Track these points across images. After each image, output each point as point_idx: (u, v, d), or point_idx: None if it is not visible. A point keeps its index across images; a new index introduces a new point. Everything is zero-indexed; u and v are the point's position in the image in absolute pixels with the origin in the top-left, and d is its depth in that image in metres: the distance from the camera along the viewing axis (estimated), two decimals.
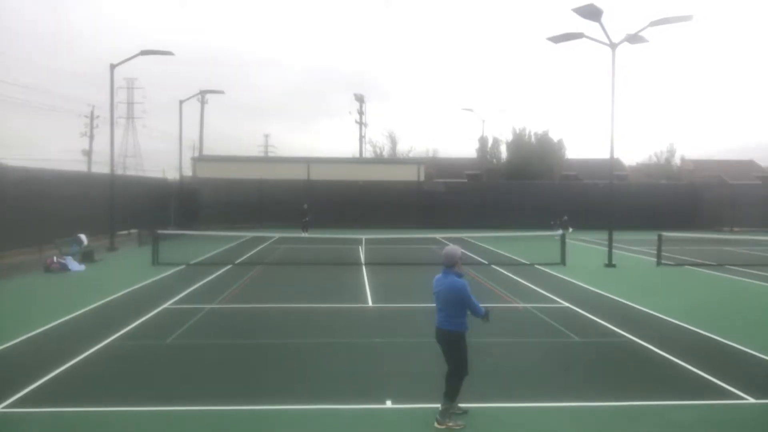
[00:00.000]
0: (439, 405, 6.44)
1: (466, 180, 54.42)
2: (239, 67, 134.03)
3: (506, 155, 59.85)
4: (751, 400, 7.10)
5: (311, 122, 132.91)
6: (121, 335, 9.83)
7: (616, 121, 66.39)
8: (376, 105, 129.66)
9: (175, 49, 24.62)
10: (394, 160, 57.35)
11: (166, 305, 12.36)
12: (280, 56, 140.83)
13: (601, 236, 24.82)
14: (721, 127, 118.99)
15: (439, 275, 6.56)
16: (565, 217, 33.47)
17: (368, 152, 62.93)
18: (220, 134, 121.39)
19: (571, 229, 33.82)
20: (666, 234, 22.00)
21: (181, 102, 35.64)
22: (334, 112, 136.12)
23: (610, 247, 19.94)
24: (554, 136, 58.34)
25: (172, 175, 49.65)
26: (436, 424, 6.24)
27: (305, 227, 32.21)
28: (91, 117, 56.72)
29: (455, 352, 6.48)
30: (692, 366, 8.38)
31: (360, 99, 57.79)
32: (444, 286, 6.40)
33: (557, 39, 19.96)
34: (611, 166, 21.98)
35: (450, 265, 6.43)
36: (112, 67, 23.57)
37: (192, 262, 19.46)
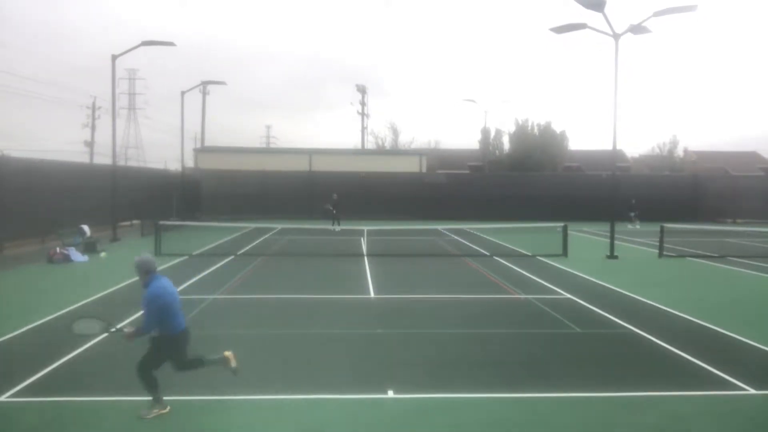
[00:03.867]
0: (440, 395, 6.45)
1: (468, 171, 54.38)
2: (240, 60, 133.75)
3: (509, 146, 59.71)
4: (752, 391, 7.11)
5: (313, 114, 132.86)
6: (124, 326, 9.83)
7: (619, 113, 66.16)
8: (377, 97, 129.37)
9: (177, 41, 24.49)
10: (396, 152, 57.23)
11: None
12: (282, 49, 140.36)
13: (603, 227, 24.80)
14: (725, 118, 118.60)
15: (162, 282, 6.49)
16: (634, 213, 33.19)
17: (370, 143, 62.86)
18: (222, 126, 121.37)
19: (633, 224, 32.79)
20: (668, 225, 21.97)
21: (182, 93, 35.57)
22: (336, 104, 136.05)
23: (612, 238, 19.92)
24: (557, 128, 58.23)
25: (174, 166, 49.74)
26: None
27: (333, 219, 28.93)
28: (93, 108, 56.70)
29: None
30: (693, 357, 8.39)
31: (362, 90, 57.62)
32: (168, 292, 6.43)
33: (560, 29, 19.85)
34: (614, 157, 21.93)
35: (149, 271, 6.45)
36: (114, 57, 23.50)
37: (194, 252, 19.50)
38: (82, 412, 6.38)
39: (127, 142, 72.10)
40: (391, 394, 6.94)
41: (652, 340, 9.30)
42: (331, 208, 29.33)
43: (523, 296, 12.91)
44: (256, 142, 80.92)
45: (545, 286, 14.17)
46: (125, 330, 6.38)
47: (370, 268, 16.63)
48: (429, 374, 7.62)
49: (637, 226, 32.26)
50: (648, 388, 7.18)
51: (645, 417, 6.36)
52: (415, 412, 6.47)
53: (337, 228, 27.68)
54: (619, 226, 31.63)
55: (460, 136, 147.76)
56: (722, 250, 21.74)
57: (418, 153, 46.45)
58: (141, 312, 6.36)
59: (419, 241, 24.52)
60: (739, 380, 7.42)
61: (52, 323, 10.05)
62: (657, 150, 68.35)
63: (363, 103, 57.69)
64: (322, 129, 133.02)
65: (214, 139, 58.93)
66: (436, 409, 6.52)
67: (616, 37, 19.09)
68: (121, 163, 43.21)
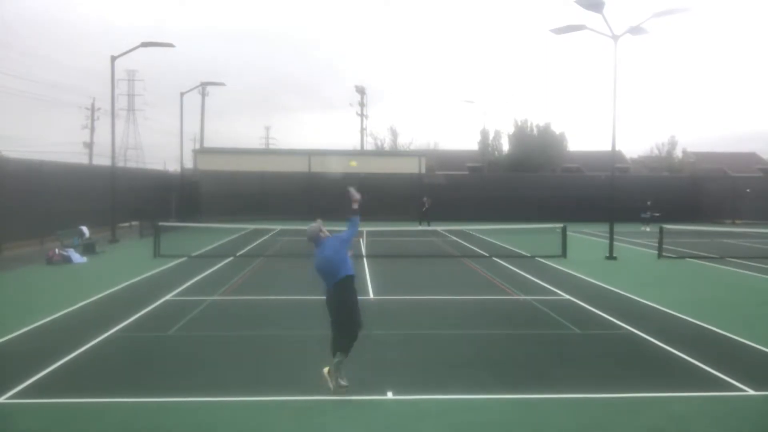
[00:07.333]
0: (439, 396, 6.46)
1: (467, 172, 54.40)
2: (240, 60, 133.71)
3: (508, 147, 59.78)
4: (751, 392, 7.11)
5: (312, 115, 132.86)
6: (123, 327, 9.85)
7: (618, 114, 66.34)
8: (376, 97, 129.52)
9: (176, 41, 24.52)
10: (395, 153, 57.18)
11: (167, 297, 12.39)
12: (281, 50, 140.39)
13: (602, 228, 24.82)
14: (723, 118, 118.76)
15: (318, 253, 7.10)
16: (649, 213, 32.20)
17: (369, 145, 62.85)
18: (221, 126, 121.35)
19: (647, 228, 31.21)
20: (667, 226, 21.98)
21: (182, 94, 35.60)
22: (335, 106, 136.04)
23: (611, 239, 19.93)
24: (556, 129, 58.29)
25: (173, 167, 49.72)
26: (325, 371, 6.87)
27: (424, 219, 33.64)
28: (92, 109, 56.74)
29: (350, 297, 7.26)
30: (693, 358, 8.39)
31: (361, 91, 57.57)
32: (328, 248, 7.03)
33: (559, 30, 19.87)
34: (613, 158, 21.93)
35: (316, 239, 7.17)
36: (113, 59, 23.50)
37: (193, 254, 19.49)
38: (82, 413, 6.37)
39: (127, 143, 72.08)
40: (390, 395, 6.94)
41: (651, 341, 9.30)
42: (425, 210, 33.78)
43: (522, 297, 12.91)
44: (256, 143, 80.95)
45: (544, 287, 14.17)
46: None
47: (369, 269, 16.63)
48: (428, 376, 7.62)
49: (647, 229, 30.88)
50: (647, 389, 7.18)
51: (644, 418, 6.36)
52: (414, 413, 6.47)
53: (425, 227, 31.21)
54: (634, 227, 31.67)
55: (459, 137, 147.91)
56: (721, 250, 21.75)
57: (418, 154, 46.45)
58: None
59: (418, 242, 24.52)
60: (738, 381, 7.42)
61: (52, 324, 10.04)
62: (656, 151, 68.49)
63: (362, 104, 57.68)
64: (322, 130, 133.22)
65: (213, 140, 59.07)
66: (435, 410, 6.52)
67: (614, 38, 19.12)
68: (121, 164, 43.23)
